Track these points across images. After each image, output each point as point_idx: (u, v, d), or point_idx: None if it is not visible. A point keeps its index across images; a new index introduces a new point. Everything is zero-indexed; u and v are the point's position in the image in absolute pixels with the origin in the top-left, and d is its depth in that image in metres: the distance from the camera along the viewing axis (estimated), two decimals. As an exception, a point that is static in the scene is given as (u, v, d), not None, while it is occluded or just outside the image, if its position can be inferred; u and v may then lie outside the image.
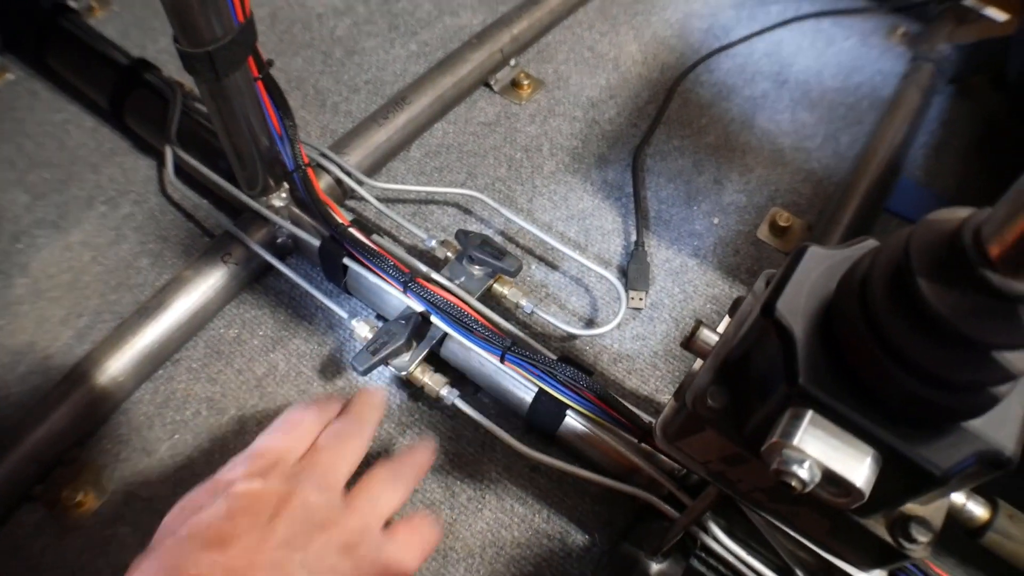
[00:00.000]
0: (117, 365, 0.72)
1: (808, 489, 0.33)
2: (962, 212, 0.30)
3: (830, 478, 0.33)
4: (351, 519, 0.50)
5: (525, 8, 1.08)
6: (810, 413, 0.34)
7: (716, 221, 0.91)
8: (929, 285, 0.29)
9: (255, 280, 0.82)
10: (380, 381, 0.76)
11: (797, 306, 0.35)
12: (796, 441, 0.33)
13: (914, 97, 1.00)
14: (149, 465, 0.71)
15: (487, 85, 1.03)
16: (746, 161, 0.97)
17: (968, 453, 0.33)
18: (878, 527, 0.39)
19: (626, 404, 0.64)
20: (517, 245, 0.87)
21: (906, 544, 0.39)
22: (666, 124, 1.01)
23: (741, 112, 1.03)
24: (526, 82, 1.03)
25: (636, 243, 0.86)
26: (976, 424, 0.33)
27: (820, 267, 0.37)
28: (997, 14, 1.09)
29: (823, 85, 1.07)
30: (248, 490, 0.47)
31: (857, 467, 0.33)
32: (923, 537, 0.38)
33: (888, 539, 0.39)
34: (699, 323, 0.45)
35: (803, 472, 0.33)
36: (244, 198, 0.78)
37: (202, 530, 0.45)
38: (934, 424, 0.33)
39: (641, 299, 0.82)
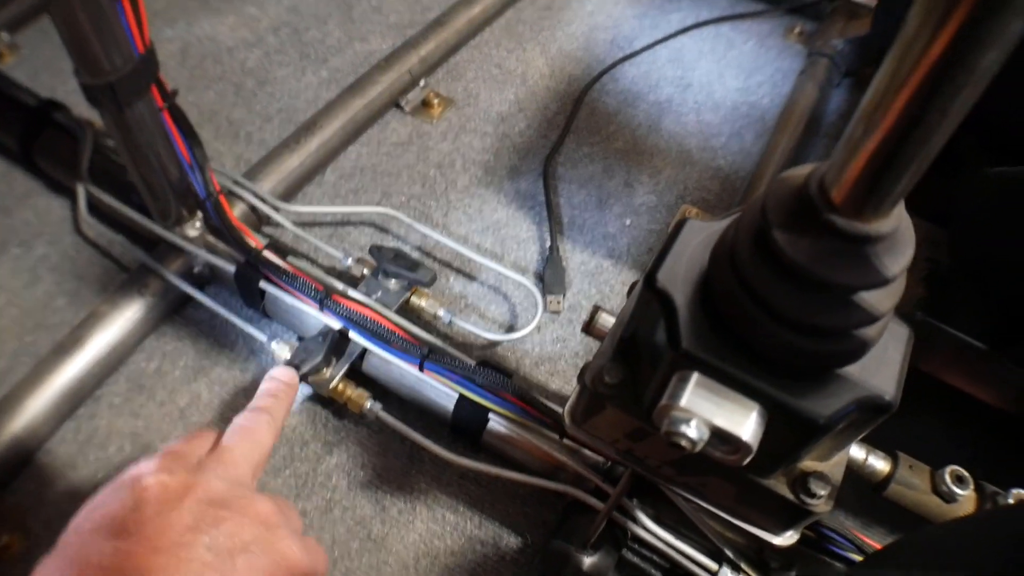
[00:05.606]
0: (36, 405, 0.71)
1: (699, 448, 0.34)
2: (809, 167, 0.31)
3: (719, 435, 0.34)
4: (260, 504, 0.50)
5: (432, 30, 1.09)
6: (695, 375, 0.35)
7: (628, 222, 0.93)
8: (784, 236, 0.31)
9: (174, 311, 0.82)
10: (303, 400, 0.76)
11: (677, 275, 0.37)
12: (683, 402, 0.34)
13: (812, 91, 1.04)
14: (74, 505, 0.69)
15: (398, 106, 1.04)
16: (655, 163, 1.00)
17: (848, 400, 0.34)
18: (780, 486, 0.41)
19: (545, 402, 0.65)
20: (435, 259, 0.88)
21: (807, 499, 0.40)
22: (575, 133, 1.03)
23: (647, 117, 1.05)
24: (436, 101, 1.04)
25: (551, 249, 0.88)
26: (853, 370, 0.35)
27: (698, 238, 0.38)
28: (884, 8, 1.13)
29: (726, 86, 1.10)
30: (154, 482, 0.48)
31: (743, 421, 0.34)
32: (822, 491, 0.40)
33: (790, 496, 0.40)
34: (596, 308, 0.47)
35: (691, 431, 0.34)
36: (158, 230, 0.78)
37: (108, 522, 0.46)
38: (814, 375, 0.35)
39: (559, 302, 0.84)
